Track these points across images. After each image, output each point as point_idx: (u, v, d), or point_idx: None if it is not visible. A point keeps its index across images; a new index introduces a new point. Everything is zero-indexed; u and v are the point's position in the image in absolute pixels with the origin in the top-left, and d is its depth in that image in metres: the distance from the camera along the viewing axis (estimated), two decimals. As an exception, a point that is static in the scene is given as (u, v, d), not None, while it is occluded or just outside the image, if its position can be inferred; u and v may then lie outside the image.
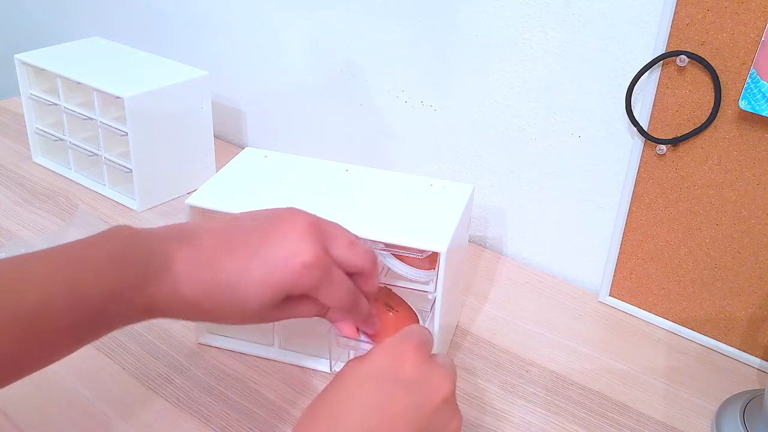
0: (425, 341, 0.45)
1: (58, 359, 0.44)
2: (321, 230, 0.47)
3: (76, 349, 0.44)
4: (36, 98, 0.96)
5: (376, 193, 0.64)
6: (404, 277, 0.61)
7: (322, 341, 0.64)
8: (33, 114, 0.98)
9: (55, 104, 0.93)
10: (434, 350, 0.61)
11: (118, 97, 0.84)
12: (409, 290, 0.61)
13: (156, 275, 0.44)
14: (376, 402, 0.40)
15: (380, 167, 0.68)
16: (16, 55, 0.94)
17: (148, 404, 0.61)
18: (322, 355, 0.64)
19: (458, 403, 0.62)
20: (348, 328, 0.52)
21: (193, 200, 0.62)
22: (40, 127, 0.98)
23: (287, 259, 0.45)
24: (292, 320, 0.65)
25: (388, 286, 0.62)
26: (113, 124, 0.88)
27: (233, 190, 0.65)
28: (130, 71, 0.93)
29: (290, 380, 0.65)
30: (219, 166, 0.77)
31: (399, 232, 0.58)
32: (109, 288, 0.43)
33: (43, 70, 0.93)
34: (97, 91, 0.87)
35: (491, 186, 0.86)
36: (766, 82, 0.59)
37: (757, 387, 0.65)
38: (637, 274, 0.75)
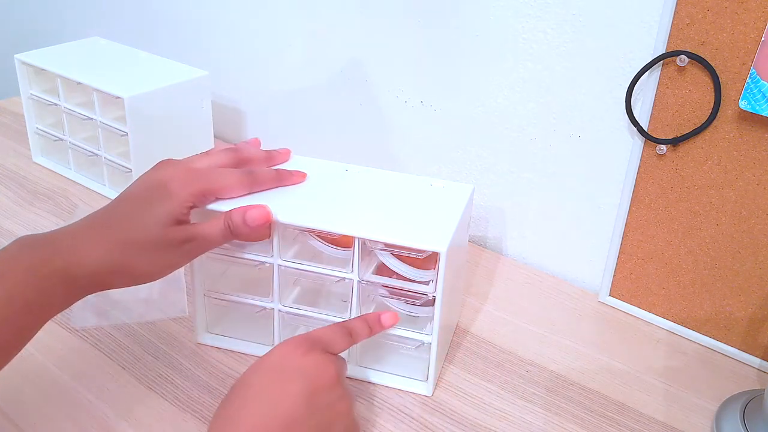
0: (309, 338, 0.51)
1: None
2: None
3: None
4: (36, 98, 0.96)
5: (376, 193, 0.64)
6: (404, 277, 0.61)
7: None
8: (33, 114, 0.98)
9: (55, 104, 0.93)
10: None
11: (118, 97, 0.84)
12: (409, 290, 0.61)
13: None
14: (271, 389, 0.47)
15: (380, 167, 0.68)
16: (16, 55, 0.94)
17: (148, 404, 0.61)
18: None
19: (458, 402, 0.63)
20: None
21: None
22: (40, 127, 0.98)
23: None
24: (292, 321, 0.65)
25: (388, 287, 0.62)
26: (113, 124, 0.88)
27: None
28: (130, 71, 0.93)
29: (290, 380, 0.64)
30: (219, 166, 0.76)
31: (399, 232, 0.57)
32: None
33: (43, 70, 0.93)
34: (97, 91, 0.87)
35: (491, 186, 0.86)
36: (766, 82, 0.59)
37: (757, 387, 0.65)
38: (637, 274, 0.75)
